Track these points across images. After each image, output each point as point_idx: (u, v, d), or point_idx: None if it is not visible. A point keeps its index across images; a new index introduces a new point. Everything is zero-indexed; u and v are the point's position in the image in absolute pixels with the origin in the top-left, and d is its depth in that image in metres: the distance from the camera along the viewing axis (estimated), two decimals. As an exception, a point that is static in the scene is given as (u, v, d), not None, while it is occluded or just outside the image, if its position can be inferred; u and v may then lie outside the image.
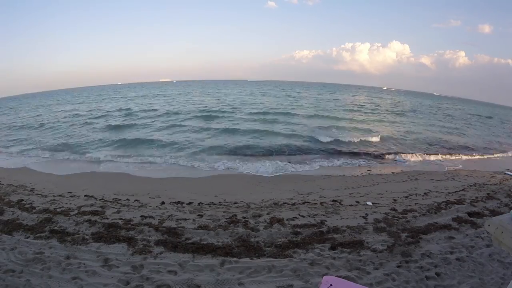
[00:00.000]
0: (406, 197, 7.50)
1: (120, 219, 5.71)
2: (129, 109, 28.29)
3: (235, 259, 4.20)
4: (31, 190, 7.89)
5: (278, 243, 4.75)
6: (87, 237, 4.86)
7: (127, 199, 7.14)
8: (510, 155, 15.18)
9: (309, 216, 6.03)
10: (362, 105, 36.28)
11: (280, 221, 5.66)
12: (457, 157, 13.58)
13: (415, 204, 6.90)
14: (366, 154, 13.03)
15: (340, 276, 3.42)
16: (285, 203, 6.94)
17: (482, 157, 14.20)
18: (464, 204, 6.79)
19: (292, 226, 5.43)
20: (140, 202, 6.89)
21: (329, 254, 4.37)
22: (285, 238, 4.95)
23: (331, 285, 1.53)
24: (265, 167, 10.31)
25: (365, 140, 15.59)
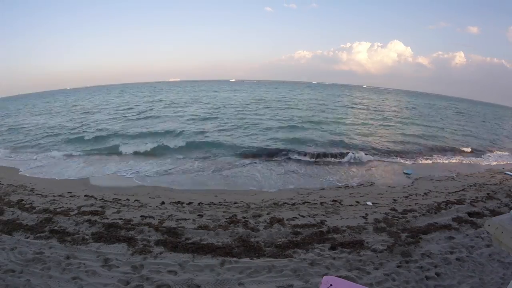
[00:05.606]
0: (406, 197, 7.50)
1: (120, 219, 5.71)
2: None
3: (235, 259, 4.20)
4: (31, 190, 7.89)
5: (278, 243, 4.75)
6: (87, 237, 4.86)
7: (127, 199, 7.13)
8: (510, 155, 15.16)
9: (309, 216, 6.03)
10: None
11: (280, 221, 5.65)
12: (456, 157, 13.55)
13: (415, 204, 6.90)
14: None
15: (340, 276, 3.42)
16: (285, 203, 6.94)
17: (482, 157, 14.18)
18: (464, 204, 6.79)
19: (292, 226, 5.43)
20: (140, 202, 6.89)
21: (329, 254, 4.37)
22: (285, 238, 4.94)
23: (331, 285, 1.52)
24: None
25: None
